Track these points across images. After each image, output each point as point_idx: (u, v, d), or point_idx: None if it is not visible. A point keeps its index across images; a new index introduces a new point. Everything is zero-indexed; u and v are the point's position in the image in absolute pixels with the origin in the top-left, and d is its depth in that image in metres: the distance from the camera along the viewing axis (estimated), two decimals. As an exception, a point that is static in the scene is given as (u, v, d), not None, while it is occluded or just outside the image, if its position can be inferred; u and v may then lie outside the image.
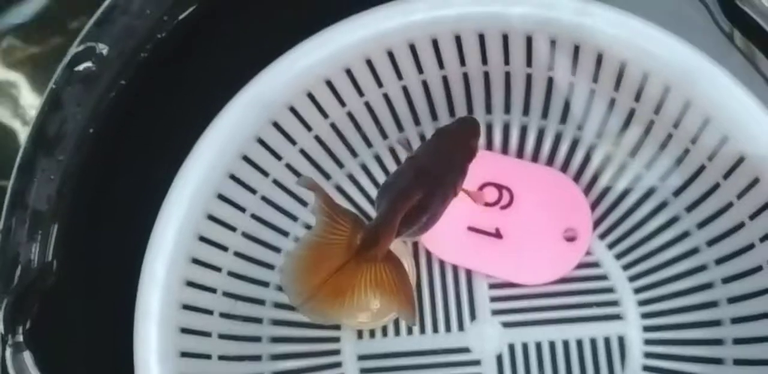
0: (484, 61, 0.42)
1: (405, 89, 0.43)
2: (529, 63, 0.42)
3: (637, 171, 0.45)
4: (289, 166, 0.43)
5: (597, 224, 0.45)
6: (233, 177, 0.40)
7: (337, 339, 0.45)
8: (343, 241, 0.31)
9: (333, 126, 0.43)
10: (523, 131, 0.46)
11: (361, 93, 0.42)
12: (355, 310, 0.31)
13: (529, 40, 0.40)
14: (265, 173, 0.41)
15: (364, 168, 0.46)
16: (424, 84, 0.43)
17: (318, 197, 0.31)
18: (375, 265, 0.31)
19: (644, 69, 0.39)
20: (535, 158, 0.46)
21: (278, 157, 0.42)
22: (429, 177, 0.34)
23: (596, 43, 0.39)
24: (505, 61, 0.42)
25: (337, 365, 0.44)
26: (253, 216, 0.42)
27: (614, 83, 0.41)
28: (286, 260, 0.31)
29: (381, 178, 0.46)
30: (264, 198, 0.42)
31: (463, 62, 0.42)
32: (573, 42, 0.39)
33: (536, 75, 0.43)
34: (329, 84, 0.40)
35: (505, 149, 0.46)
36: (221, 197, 0.39)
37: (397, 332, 0.45)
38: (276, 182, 0.42)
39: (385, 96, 0.43)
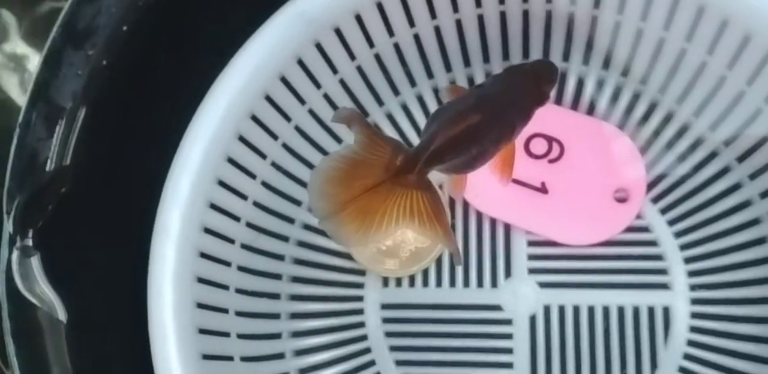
0: (549, -3, 0.39)
1: (459, 23, 0.40)
2: (597, 4, 0.39)
3: (700, 132, 0.41)
4: (327, 97, 0.40)
5: (651, 186, 0.42)
6: (269, 99, 0.37)
7: (360, 285, 0.42)
8: (381, 161, 0.28)
9: (377, 57, 0.40)
10: (581, 81, 0.43)
11: (412, 23, 0.39)
12: (382, 236, 0.29)
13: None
14: (302, 100, 0.39)
15: (405, 109, 0.43)
16: (480, 19, 0.40)
17: (358, 126, 0.29)
18: (411, 192, 0.29)
19: (723, 16, 0.36)
20: (590, 111, 0.43)
21: (317, 84, 0.39)
22: (490, 107, 0.31)
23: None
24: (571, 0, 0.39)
25: (359, 311, 0.42)
26: (285, 146, 0.40)
27: (687, 32, 0.38)
28: (316, 170, 0.28)
29: (422, 120, 0.43)
30: (297, 128, 0.40)
31: (526, -3, 0.39)
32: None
33: (602, 19, 0.40)
34: (380, 7, 0.37)
35: (558, 100, 0.43)
36: (254, 119, 0.37)
37: (426, 283, 0.42)
38: (312, 112, 0.40)
39: (437, 29, 0.40)
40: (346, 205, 0.28)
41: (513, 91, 0.33)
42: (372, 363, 0.41)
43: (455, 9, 0.39)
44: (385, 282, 0.42)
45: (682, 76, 0.40)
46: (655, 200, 0.42)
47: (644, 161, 0.42)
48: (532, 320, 0.41)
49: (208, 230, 0.37)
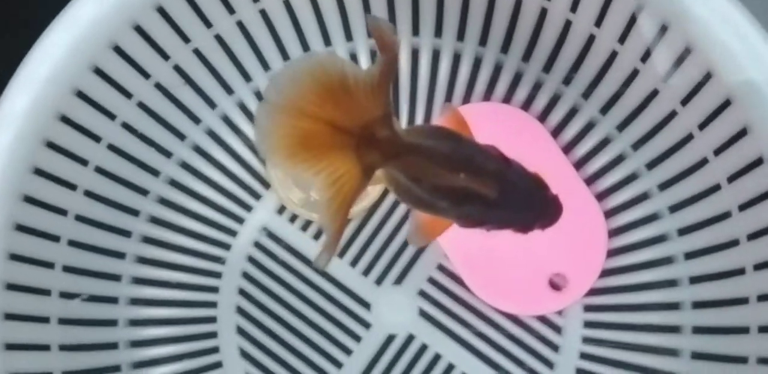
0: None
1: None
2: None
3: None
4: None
5: (594, 293, 0.34)
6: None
7: (258, 196, 0.37)
8: (359, 112, 0.22)
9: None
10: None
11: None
12: (299, 179, 0.25)
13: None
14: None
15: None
16: None
17: (387, 53, 0.21)
18: (353, 168, 0.22)
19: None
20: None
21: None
22: (499, 187, 0.24)
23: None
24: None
25: (240, 220, 0.36)
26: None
27: None
28: (310, 59, 0.22)
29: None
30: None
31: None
32: None
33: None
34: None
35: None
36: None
37: (317, 236, 0.36)
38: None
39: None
40: (301, 118, 0.22)
41: (521, 200, 0.25)
42: (215, 289, 0.36)
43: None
44: (281, 210, 0.36)
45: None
46: (588, 309, 0.34)
47: (606, 264, 0.33)
48: (389, 340, 0.35)
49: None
